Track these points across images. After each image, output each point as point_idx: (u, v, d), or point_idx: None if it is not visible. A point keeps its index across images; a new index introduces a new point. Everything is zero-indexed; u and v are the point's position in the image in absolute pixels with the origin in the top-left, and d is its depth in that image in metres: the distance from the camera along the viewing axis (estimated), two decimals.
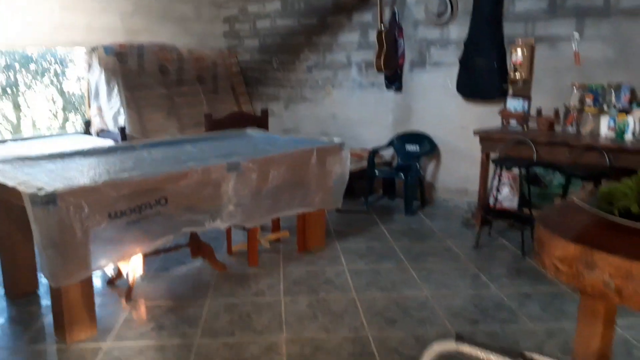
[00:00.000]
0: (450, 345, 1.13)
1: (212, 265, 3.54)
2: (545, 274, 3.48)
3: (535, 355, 1.11)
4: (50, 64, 6.04)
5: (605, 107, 3.97)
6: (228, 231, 3.81)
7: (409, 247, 4.06)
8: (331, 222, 4.63)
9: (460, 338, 1.13)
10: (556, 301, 3.10)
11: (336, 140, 3.87)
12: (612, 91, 3.95)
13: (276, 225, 4.16)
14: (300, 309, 3.00)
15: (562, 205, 1.74)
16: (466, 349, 1.10)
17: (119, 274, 3.27)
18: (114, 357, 2.49)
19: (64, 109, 6.09)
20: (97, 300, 2.81)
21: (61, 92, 6.06)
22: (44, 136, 5.29)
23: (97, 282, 3.32)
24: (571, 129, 4.15)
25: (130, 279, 3.11)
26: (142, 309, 3.02)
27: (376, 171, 5.15)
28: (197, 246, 3.57)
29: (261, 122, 4.88)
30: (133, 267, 3.11)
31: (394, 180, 5.43)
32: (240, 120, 4.75)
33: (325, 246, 4.02)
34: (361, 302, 3.10)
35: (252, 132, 4.33)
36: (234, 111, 5.86)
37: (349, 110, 5.81)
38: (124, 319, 2.88)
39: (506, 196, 4.50)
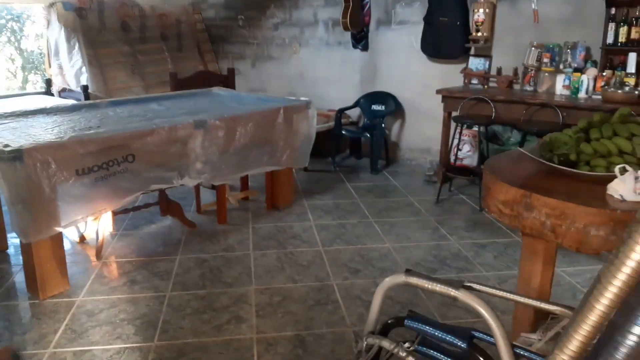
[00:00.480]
0: (400, 278, 1.25)
1: (182, 223, 3.61)
2: (500, 227, 3.69)
3: (475, 285, 1.24)
4: (7, 21, 5.79)
5: (561, 66, 4.13)
6: (197, 190, 3.86)
7: (373, 203, 4.21)
8: (299, 181, 4.73)
9: (408, 271, 1.25)
10: (509, 251, 3.31)
11: (303, 99, 3.91)
12: (569, 50, 4.09)
13: (245, 185, 4.23)
14: (268, 262, 3.12)
15: (509, 155, 1.87)
16: (414, 280, 1.22)
17: (89, 232, 3.31)
18: (88, 310, 2.56)
19: (23, 68, 5.89)
20: (68, 258, 2.86)
21: (20, 51, 5.84)
22: (4, 96, 5.14)
23: (67, 241, 3.35)
24: (529, 88, 4.30)
25: (100, 237, 3.16)
26: (114, 266, 3.08)
27: (343, 131, 5.24)
28: (167, 205, 3.62)
29: (227, 81, 4.86)
30: (102, 225, 3.15)
31: (360, 140, 5.53)
32: (206, 79, 4.72)
33: (294, 204, 4.12)
34: (327, 254, 3.24)
35: (218, 90, 4.32)
36: (199, 70, 5.79)
37: (316, 70, 5.82)
38: (95, 275, 2.94)
39: (466, 153, 4.67)
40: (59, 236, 2.64)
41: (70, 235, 3.40)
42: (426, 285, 1.20)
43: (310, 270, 3.02)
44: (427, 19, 4.77)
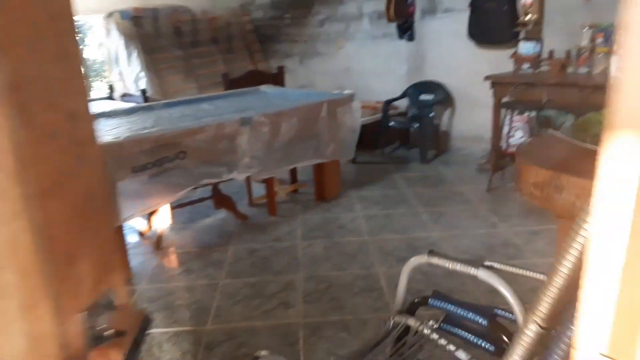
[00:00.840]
0: (422, 259, 1.30)
1: (234, 216, 3.78)
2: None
3: (495, 264, 1.27)
4: None
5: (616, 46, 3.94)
6: (248, 184, 4.02)
7: (422, 193, 4.21)
8: (348, 173, 4.80)
9: (431, 252, 1.30)
10: None
11: (346, 92, 3.98)
12: None
13: (294, 178, 4.35)
14: (316, 252, 3.22)
15: (542, 138, 1.86)
16: (435, 260, 1.27)
17: (149, 226, 3.55)
18: (148, 297, 2.77)
19: (87, 76, 6.33)
20: (131, 250, 3.10)
21: (83, 59, 6.27)
22: None
23: (131, 233, 3.59)
24: (583, 70, 4.14)
25: (160, 230, 3.38)
26: (172, 256, 3.29)
27: (391, 122, 5.24)
28: (220, 198, 3.81)
29: (277, 79, 4.99)
30: (161, 218, 3.37)
31: (410, 130, 5.51)
32: (257, 78, 4.87)
33: (342, 195, 4.20)
34: (373, 244, 3.29)
35: (266, 88, 4.47)
36: (250, 70, 5.97)
37: (363, 63, 5.86)
38: (155, 265, 3.16)
39: (519, 140, 4.55)
40: (120, 229, 2.87)
41: (133, 228, 3.66)
42: (447, 265, 1.25)
43: (356, 259, 3.09)
44: (473, 5, 4.68)
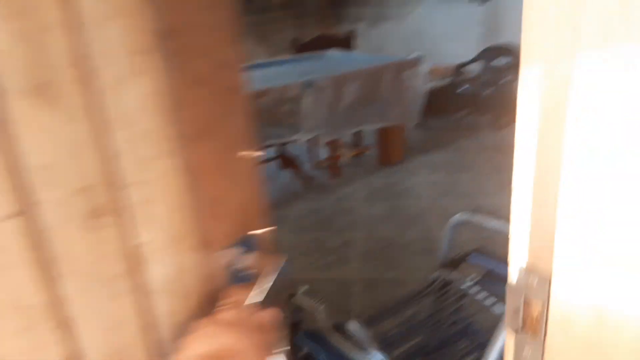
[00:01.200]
0: (465, 216, 1.35)
1: (299, 176, 3.93)
2: None
3: None
4: None
5: None
6: (313, 146, 4.14)
7: (490, 160, 4.12)
8: (415, 138, 4.77)
9: (475, 211, 1.34)
10: None
11: (413, 55, 3.92)
12: None
13: (358, 141, 4.41)
14: (376, 213, 3.30)
15: None
16: (477, 219, 1.31)
17: None
18: None
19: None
20: None
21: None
22: None
23: None
24: None
25: None
26: None
27: (463, 87, 5.11)
28: (286, 159, 3.96)
29: (346, 43, 5.01)
30: None
31: (481, 96, 5.34)
32: (326, 43, 4.91)
33: (407, 160, 4.21)
34: (434, 208, 3.31)
35: (333, 52, 4.50)
36: (319, 34, 6.01)
37: (434, 26, 5.70)
38: None
39: None
40: None
41: None
42: (487, 224, 1.29)
43: (416, 222, 3.13)
44: None
